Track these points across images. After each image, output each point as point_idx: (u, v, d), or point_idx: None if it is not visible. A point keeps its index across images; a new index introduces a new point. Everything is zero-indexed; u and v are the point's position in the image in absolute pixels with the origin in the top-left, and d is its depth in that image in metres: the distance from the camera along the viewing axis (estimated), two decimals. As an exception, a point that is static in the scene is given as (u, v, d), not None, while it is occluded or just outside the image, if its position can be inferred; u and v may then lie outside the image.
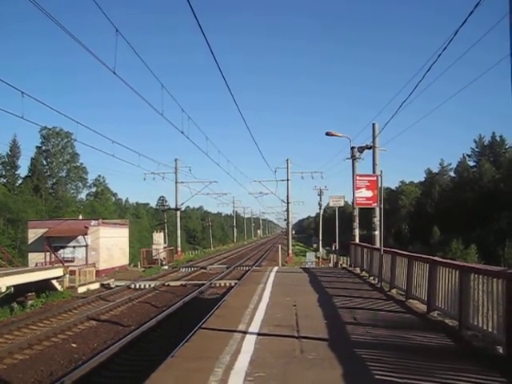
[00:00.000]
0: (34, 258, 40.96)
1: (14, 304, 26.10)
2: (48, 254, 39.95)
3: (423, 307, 13.09)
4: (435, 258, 13.07)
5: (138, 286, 33.31)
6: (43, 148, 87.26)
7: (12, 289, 25.64)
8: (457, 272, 10.71)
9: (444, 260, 12.90)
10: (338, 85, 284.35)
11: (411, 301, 14.45)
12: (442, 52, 13.98)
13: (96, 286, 34.15)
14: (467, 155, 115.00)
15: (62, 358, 16.06)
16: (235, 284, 26.65)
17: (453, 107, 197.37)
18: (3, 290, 24.03)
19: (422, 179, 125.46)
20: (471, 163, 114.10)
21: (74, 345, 17.80)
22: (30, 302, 26.56)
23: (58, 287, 29.59)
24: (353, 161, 30.88)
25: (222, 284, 33.42)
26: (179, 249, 65.53)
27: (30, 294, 26.93)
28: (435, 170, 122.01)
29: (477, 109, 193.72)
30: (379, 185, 19.56)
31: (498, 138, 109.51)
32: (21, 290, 26.16)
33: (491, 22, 18.99)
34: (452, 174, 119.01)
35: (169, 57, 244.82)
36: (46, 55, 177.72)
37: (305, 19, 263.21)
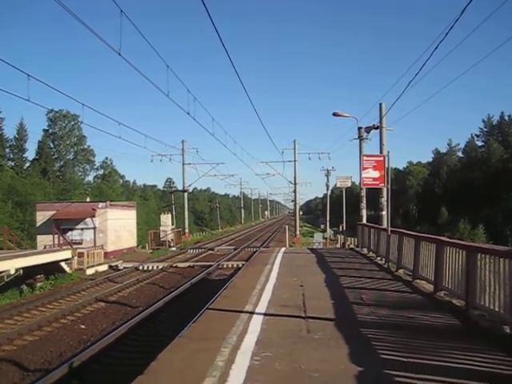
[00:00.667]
0: (43, 240, 41.16)
1: (24, 286, 26.25)
2: (56, 236, 40.12)
3: (430, 287, 13.08)
4: (442, 238, 13.03)
5: (145, 268, 33.44)
6: (50, 131, 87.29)
7: (21, 271, 25.79)
8: (464, 252, 10.68)
9: (451, 240, 12.86)
10: (344, 68, 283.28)
11: (418, 281, 14.44)
12: (449, 30, 13.82)
13: (104, 267, 34.30)
14: (475, 135, 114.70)
15: (70, 339, 16.17)
16: (242, 265, 26.70)
17: (460, 89, 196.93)
18: (12, 272, 24.16)
19: (430, 159, 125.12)
20: (479, 143, 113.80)
21: (83, 326, 17.92)
22: (39, 284, 26.69)
23: (67, 269, 29.73)
24: (360, 141, 30.76)
25: (230, 265, 33.50)
26: (187, 230, 65.62)
27: (38, 276, 27.05)
28: (443, 150, 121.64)
29: (483, 91, 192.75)
30: (386, 165, 19.50)
31: (506, 118, 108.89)
32: (30, 273, 26.29)
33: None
34: (460, 154, 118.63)
35: (175, 40, 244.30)
36: (51, 39, 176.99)
37: (311, 4, 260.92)
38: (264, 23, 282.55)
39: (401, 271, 16.80)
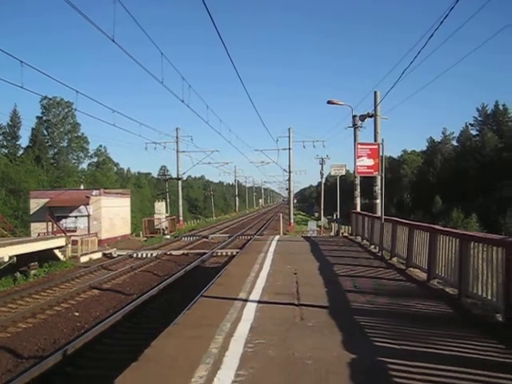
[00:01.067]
0: (37, 228, 41.17)
1: (17, 274, 26.24)
2: (50, 223, 40.08)
3: (423, 275, 13.13)
4: (435, 227, 13.07)
5: (139, 256, 33.48)
6: (44, 118, 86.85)
7: (15, 259, 25.75)
8: (457, 240, 10.71)
9: (444, 228, 12.91)
10: (339, 57, 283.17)
11: (411, 269, 14.49)
12: (444, 19, 13.78)
13: (98, 255, 34.32)
14: (470, 124, 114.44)
15: (64, 326, 16.20)
16: (237, 253, 26.73)
17: (454, 78, 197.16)
18: (6, 259, 24.13)
19: (425, 148, 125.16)
20: (474, 132, 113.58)
21: (77, 313, 17.94)
22: (32, 272, 26.70)
23: (61, 257, 29.74)
24: (354, 129, 30.74)
25: (224, 253, 33.55)
26: (181, 218, 65.64)
27: (32, 263, 27.05)
28: (438, 139, 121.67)
29: (477, 80, 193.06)
30: (380, 153, 19.47)
31: (500, 107, 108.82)
32: (23, 260, 26.27)
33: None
34: (454, 143, 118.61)
35: (169, 28, 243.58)
36: (45, 27, 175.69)
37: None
38: (259, 12, 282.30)
39: (394, 259, 16.86)
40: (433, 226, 13.42)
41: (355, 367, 6.29)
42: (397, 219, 17.98)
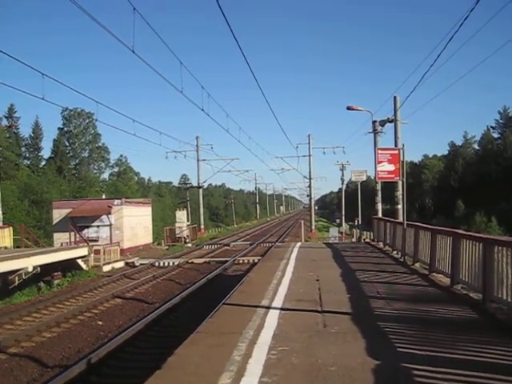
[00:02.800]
0: (59, 238, 41.42)
1: (41, 283, 26.41)
2: (73, 233, 40.31)
3: (447, 280, 13.03)
4: (458, 231, 12.99)
5: (161, 264, 33.58)
6: (65, 129, 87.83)
7: (39, 268, 25.93)
8: (480, 245, 10.62)
9: (467, 233, 12.81)
10: (358, 64, 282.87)
11: (435, 274, 14.39)
12: (463, 21, 13.72)
13: (120, 264, 34.46)
14: (491, 127, 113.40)
15: (88, 335, 16.29)
16: (258, 260, 26.68)
17: (474, 81, 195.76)
18: (30, 269, 24.30)
19: (446, 152, 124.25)
20: (495, 135, 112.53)
21: (100, 322, 18.03)
22: (56, 282, 26.85)
23: (84, 266, 29.91)
24: (374, 135, 30.63)
25: (246, 260, 33.54)
26: (202, 226, 65.78)
27: (56, 273, 27.20)
28: (459, 143, 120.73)
29: (497, 83, 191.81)
30: (401, 158, 19.37)
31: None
32: (47, 270, 26.43)
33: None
34: (476, 146, 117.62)
35: (188, 36, 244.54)
36: (65, 35, 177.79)
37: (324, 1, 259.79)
38: (277, 18, 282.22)
39: (417, 265, 16.74)
40: (455, 230, 13.34)
41: (379, 374, 6.25)
42: (419, 224, 17.87)
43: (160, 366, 6.87)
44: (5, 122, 75.05)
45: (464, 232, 12.92)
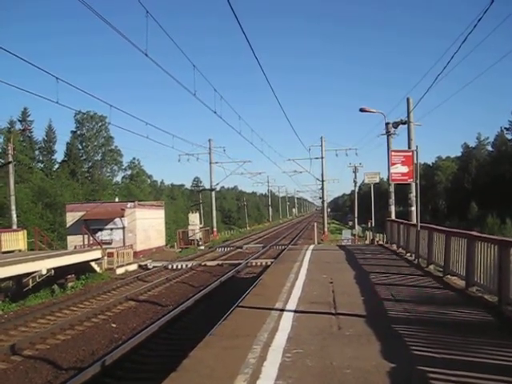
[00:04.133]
0: (73, 240, 41.66)
1: (55, 286, 26.52)
2: (86, 236, 40.51)
3: (461, 283, 12.96)
4: (473, 233, 12.90)
5: (174, 267, 33.61)
6: (78, 132, 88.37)
7: (52, 271, 26.07)
8: (496, 247, 10.55)
9: (482, 235, 12.73)
10: (370, 66, 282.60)
11: (449, 277, 14.30)
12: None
13: (134, 267, 34.54)
14: (505, 128, 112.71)
15: (102, 337, 16.32)
16: (271, 263, 26.65)
17: (487, 82, 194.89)
18: (44, 272, 24.45)
19: (459, 154, 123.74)
20: (509, 136, 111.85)
21: (114, 325, 18.07)
22: (70, 284, 26.98)
23: (97, 269, 30.01)
24: (388, 137, 30.52)
25: (259, 263, 33.49)
26: (215, 229, 65.80)
27: (69, 276, 27.35)
28: (472, 144, 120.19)
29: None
30: (415, 160, 19.29)
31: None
32: (61, 273, 26.57)
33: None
34: (490, 148, 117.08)
35: (200, 38, 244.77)
36: (79, 36, 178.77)
37: (335, 2, 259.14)
38: (290, 20, 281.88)
39: (431, 267, 16.65)
40: (470, 232, 13.24)
41: (394, 376, 6.24)
42: (433, 226, 17.78)
43: (175, 368, 6.89)
44: (18, 126, 75.71)
45: (479, 234, 12.84)
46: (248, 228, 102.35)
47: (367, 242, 42.67)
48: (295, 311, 10.12)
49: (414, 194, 25.27)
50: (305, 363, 6.80)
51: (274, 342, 7.87)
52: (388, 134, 30.37)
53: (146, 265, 35.12)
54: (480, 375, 6.17)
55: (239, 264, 32.98)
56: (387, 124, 30.27)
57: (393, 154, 21.05)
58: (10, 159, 35.63)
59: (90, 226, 41.79)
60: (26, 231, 32.89)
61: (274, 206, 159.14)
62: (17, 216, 35.89)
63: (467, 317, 9.67)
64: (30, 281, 27.20)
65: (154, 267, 33.90)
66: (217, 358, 7.24)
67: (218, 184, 71.13)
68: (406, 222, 24.13)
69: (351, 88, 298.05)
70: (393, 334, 8.32)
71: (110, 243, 40.51)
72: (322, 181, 62.32)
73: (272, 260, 30.07)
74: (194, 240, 53.49)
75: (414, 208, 25.37)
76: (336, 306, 10.51)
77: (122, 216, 42.89)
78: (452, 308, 10.31)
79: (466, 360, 6.84)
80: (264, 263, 32.44)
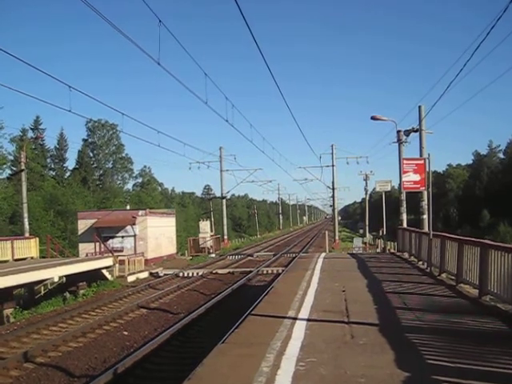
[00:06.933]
0: (84, 248, 41.79)
1: (67, 293, 26.62)
2: (98, 244, 40.61)
3: (475, 292, 12.88)
4: (486, 242, 12.83)
5: (186, 275, 33.60)
6: (89, 140, 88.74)
7: (64, 279, 26.21)
8: (509, 255, 10.49)
9: (496, 243, 12.66)
10: (381, 75, 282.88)
11: (462, 285, 14.22)
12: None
13: (145, 274, 34.56)
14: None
15: (114, 345, 16.34)
16: (282, 271, 26.66)
17: (497, 90, 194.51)
18: (56, 279, 24.58)
19: (470, 162, 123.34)
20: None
21: (126, 332, 18.10)
22: (81, 292, 27.04)
23: (108, 276, 30.07)
24: (399, 145, 30.44)
25: (270, 271, 33.44)
26: (226, 237, 65.73)
27: (81, 283, 27.41)
28: (483, 152, 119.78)
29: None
30: (427, 168, 19.25)
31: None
32: (73, 280, 26.65)
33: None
34: (501, 155, 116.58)
35: (212, 45, 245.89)
36: (92, 42, 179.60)
37: (347, 10, 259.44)
38: (301, 27, 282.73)
39: (443, 275, 16.58)
40: (483, 240, 13.18)
41: (409, 386, 6.21)
42: (445, 234, 17.71)
43: (188, 376, 6.89)
44: (31, 134, 76.13)
45: (492, 242, 12.77)
46: (259, 236, 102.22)
47: (378, 250, 42.56)
48: (308, 319, 10.10)
49: (425, 202, 25.17)
50: (319, 372, 6.78)
51: (287, 350, 7.85)
52: (399, 141, 30.29)
53: (157, 272, 35.15)
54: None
55: (250, 272, 32.95)
56: (398, 132, 30.20)
57: (405, 162, 21.04)
58: (23, 167, 35.84)
59: (102, 234, 41.92)
60: (37, 239, 33.01)
61: (284, 213, 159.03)
62: (29, 224, 36.04)
63: (481, 326, 9.61)
64: (42, 288, 27.35)
65: (165, 275, 33.92)
66: (230, 366, 7.23)
67: (228, 192, 71.23)
68: (417, 230, 24.06)
69: (362, 96, 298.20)
70: (406, 343, 8.28)
71: (121, 251, 40.60)
72: (333, 189, 62.17)
73: (283, 268, 30.07)
74: (204, 248, 53.51)
75: (425, 216, 25.27)
76: (349, 315, 10.49)
77: (134, 224, 43.01)
78: (465, 317, 10.26)
79: (481, 370, 6.80)
80: (275, 271, 32.40)
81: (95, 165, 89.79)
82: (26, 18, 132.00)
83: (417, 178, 20.30)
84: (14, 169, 60.15)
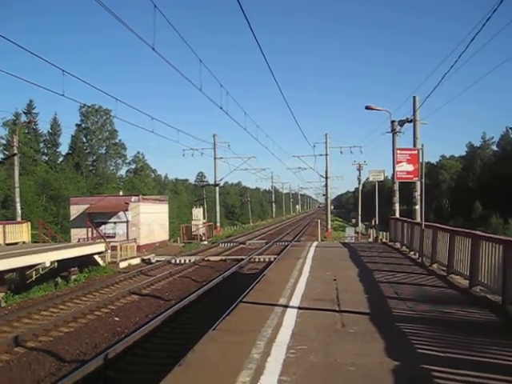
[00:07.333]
0: (77, 233, 41.80)
1: (58, 279, 26.60)
2: (90, 229, 40.57)
3: (465, 282, 12.94)
4: (477, 233, 12.86)
5: (178, 261, 33.63)
6: (83, 125, 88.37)
7: (56, 264, 26.16)
8: (500, 246, 10.52)
9: (487, 234, 12.67)
10: (376, 66, 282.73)
11: (453, 276, 14.27)
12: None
13: (137, 261, 34.60)
14: (510, 128, 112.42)
15: (105, 331, 16.36)
16: (274, 259, 26.70)
17: (493, 82, 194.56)
18: (47, 264, 24.48)
19: (463, 153, 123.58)
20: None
21: (117, 318, 18.10)
22: (73, 277, 27.02)
23: (100, 262, 30.06)
24: (393, 135, 30.47)
25: (262, 259, 33.50)
26: (218, 224, 65.81)
27: (73, 269, 27.37)
28: (477, 143, 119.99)
29: None
30: (420, 159, 19.27)
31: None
32: (64, 265, 26.62)
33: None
34: (494, 147, 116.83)
35: (207, 32, 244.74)
36: (86, 29, 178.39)
37: (344, 3, 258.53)
38: (296, 19, 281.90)
39: (435, 266, 16.63)
40: (475, 232, 13.21)
41: (399, 375, 6.23)
42: (437, 225, 17.73)
43: (179, 362, 6.90)
44: (24, 118, 75.80)
45: (483, 234, 12.80)
46: (251, 224, 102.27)
47: (371, 239, 42.62)
48: (299, 308, 10.12)
49: (418, 192, 25.21)
50: (309, 359, 6.81)
51: (277, 337, 7.87)
52: (393, 132, 30.32)
53: (149, 259, 35.19)
54: (484, 375, 6.17)
55: (242, 260, 33.01)
56: (393, 122, 30.22)
57: (398, 152, 21.06)
58: (15, 151, 35.67)
59: (94, 220, 41.89)
60: (29, 223, 32.90)
61: (277, 202, 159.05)
62: (21, 208, 35.92)
63: (471, 316, 9.66)
64: (34, 273, 27.29)
65: (157, 261, 33.96)
66: (221, 353, 7.25)
67: (221, 179, 71.21)
68: (410, 220, 24.11)
69: (357, 86, 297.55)
70: (397, 332, 8.32)
71: (113, 237, 40.65)
72: (326, 178, 62.20)
73: (275, 256, 30.12)
74: (197, 235, 53.55)
75: (418, 206, 25.33)
76: (340, 303, 10.52)
77: (126, 210, 43.01)
78: (456, 307, 10.30)
79: (471, 359, 6.83)
80: (267, 259, 32.47)
81: (88, 150, 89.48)
82: (21, 8, 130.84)
83: (410, 168, 20.33)
84: (7, 153, 59.97)
